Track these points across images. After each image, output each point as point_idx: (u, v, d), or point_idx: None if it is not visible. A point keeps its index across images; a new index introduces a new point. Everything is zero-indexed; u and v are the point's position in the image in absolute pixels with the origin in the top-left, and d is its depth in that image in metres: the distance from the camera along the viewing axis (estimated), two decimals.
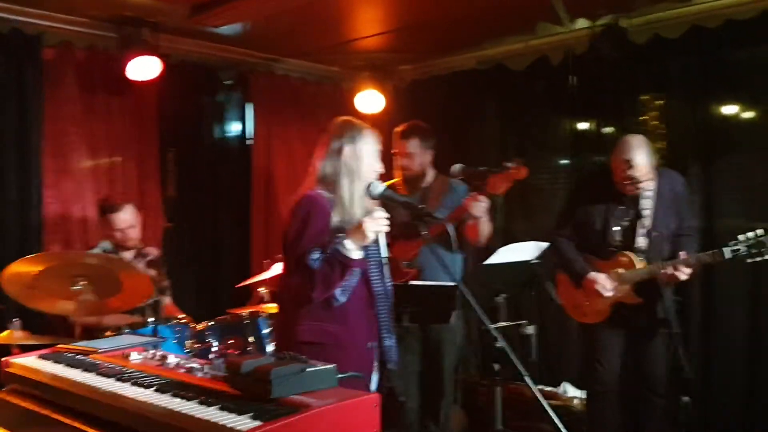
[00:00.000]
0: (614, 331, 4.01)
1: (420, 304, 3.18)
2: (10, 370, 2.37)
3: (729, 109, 4.76)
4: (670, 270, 3.68)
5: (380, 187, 2.79)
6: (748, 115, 4.73)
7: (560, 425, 2.19)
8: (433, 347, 4.18)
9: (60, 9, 4.70)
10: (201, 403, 1.78)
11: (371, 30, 5.26)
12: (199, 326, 3.95)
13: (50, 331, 4.33)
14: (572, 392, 5.08)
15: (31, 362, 2.35)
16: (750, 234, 3.60)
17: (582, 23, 5.01)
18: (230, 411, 1.69)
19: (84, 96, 4.99)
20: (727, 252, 3.58)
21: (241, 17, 4.88)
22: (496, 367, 2.54)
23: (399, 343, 3.07)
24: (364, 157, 2.86)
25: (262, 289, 4.54)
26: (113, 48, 4.89)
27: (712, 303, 4.63)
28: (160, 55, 4.86)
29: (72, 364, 2.26)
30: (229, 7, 4.58)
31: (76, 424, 1.98)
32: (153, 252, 4.57)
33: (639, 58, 4.90)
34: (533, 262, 3.16)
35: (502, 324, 2.96)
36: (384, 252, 2.89)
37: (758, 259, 3.58)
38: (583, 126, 5.39)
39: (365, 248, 2.76)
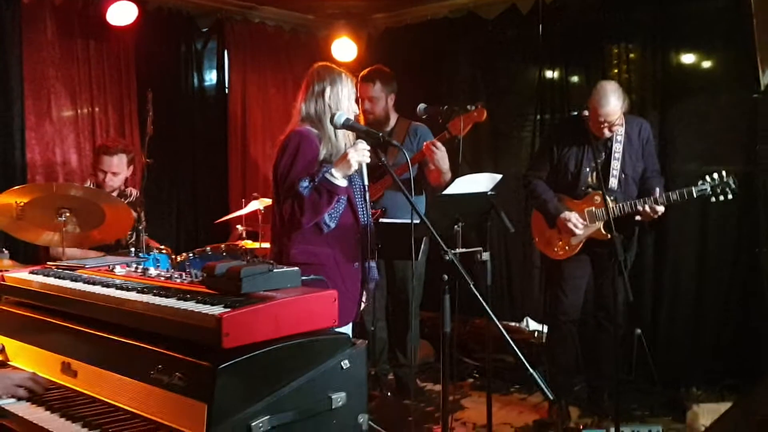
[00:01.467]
0: (579, 265, 4.22)
1: (388, 242, 3.37)
2: (5, 283, 2.58)
3: (688, 58, 4.95)
4: (647, 207, 3.90)
5: (343, 117, 3.02)
6: (707, 64, 4.93)
7: (510, 341, 2.39)
8: (398, 283, 4.40)
9: None
10: (179, 299, 1.99)
11: None
12: (180, 257, 4.15)
13: (36, 262, 4.52)
14: (534, 326, 5.38)
15: (23, 275, 2.56)
16: (715, 175, 3.84)
17: None
18: (205, 303, 1.91)
19: (62, 40, 5.06)
20: (695, 191, 3.84)
21: None
22: (445, 277, 2.76)
23: None
24: (343, 99, 3.15)
25: (240, 227, 4.74)
26: None
27: (665, 241, 4.89)
28: (136, 1, 4.93)
29: (61, 276, 2.47)
30: None
31: (67, 324, 2.20)
32: (134, 193, 4.73)
33: (604, 8, 5.06)
34: (489, 193, 3.36)
35: (458, 251, 3.16)
36: (366, 180, 3.14)
37: (721, 198, 3.84)
38: (550, 74, 5.55)
39: (349, 177, 3.02)
